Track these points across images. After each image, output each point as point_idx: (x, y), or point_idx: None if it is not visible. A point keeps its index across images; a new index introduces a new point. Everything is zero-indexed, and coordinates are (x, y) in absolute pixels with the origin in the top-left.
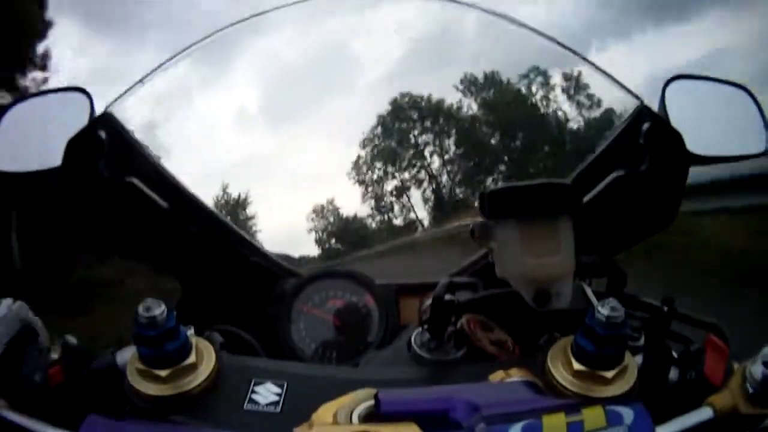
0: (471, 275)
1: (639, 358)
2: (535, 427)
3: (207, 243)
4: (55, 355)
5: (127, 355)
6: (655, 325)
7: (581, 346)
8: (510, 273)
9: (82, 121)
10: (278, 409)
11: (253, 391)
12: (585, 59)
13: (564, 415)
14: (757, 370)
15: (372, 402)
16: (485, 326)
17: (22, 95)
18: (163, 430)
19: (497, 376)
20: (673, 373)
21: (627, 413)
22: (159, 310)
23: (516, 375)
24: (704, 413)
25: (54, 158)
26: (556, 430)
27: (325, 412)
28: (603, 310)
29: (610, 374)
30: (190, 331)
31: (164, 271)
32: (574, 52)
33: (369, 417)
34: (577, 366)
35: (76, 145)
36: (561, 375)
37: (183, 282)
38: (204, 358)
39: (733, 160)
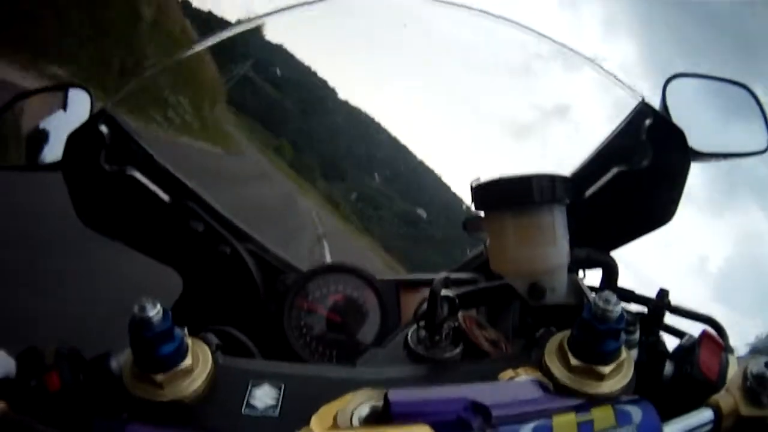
0: (472, 271)
1: (635, 353)
2: (546, 428)
3: (209, 237)
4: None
5: (122, 358)
6: (650, 318)
7: (578, 341)
8: (503, 266)
9: (83, 116)
10: (276, 412)
11: (250, 395)
12: (586, 57)
13: (574, 415)
14: (757, 369)
15: (373, 403)
16: (480, 325)
17: (24, 91)
18: None
19: (506, 375)
20: (669, 367)
21: (636, 412)
22: (154, 310)
23: (524, 374)
24: (706, 414)
25: (56, 152)
26: (566, 430)
27: (325, 414)
28: (599, 304)
29: (606, 369)
30: (185, 333)
31: (167, 264)
32: (575, 52)
33: (370, 418)
34: (574, 361)
35: (78, 139)
36: (558, 370)
37: (184, 276)
38: (200, 361)
39: (733, 158)
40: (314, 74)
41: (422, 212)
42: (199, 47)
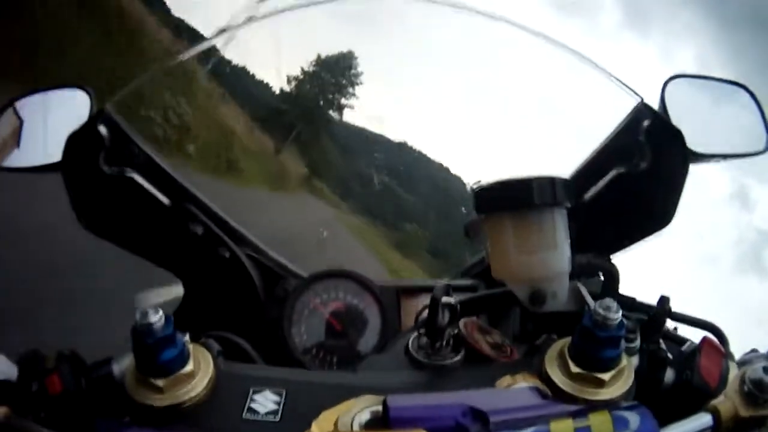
0: (473, 277)
1: (635, 360)
2: None
3: (209, 241)
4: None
5: (124, 363)
6: (651, 325)
7: (578, 348)
8: (504, 271)
9: (83, 117)
10: (277, 417)
11: (251, 400)
12: (584, 57)
13: (571, 421)
14: (755, 374)
15: (373, 408)
16: (482, 330)
17: (23, 92)
18: None
19: (504, 381)
20: (669, 374)
21: (633, 418)
22: (156, 317)
23: (522, 380)
24: (704, 419)
25: (55, 154)
26: None
27: (326, 420)
28: (600, 311)
29: (606, 376)
30: (187, 338)
31: (167, 269)
32: (573, 51)
33: (371, 424)
34: (574, 368)
35: (77, 141)
36: (558, 377)
37: (185, 280)
38: (201, 366)
39: (732, 158)
40: (446, 170)
41: None
42: (193, 51)
